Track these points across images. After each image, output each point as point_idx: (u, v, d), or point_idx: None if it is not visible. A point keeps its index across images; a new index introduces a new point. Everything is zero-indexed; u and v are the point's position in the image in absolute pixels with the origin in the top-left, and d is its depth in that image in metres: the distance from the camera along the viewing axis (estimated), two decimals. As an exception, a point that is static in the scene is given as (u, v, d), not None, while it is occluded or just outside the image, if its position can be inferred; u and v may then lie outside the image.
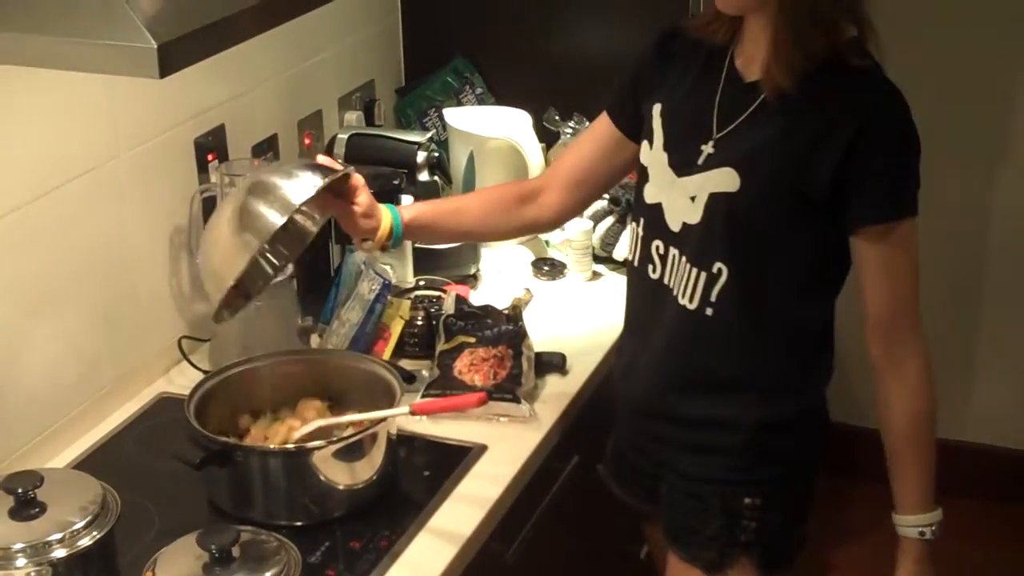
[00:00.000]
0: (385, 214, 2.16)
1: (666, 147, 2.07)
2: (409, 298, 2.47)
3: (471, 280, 2.68)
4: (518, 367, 2.29)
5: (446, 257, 2.68)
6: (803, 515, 2.18)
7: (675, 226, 2.05)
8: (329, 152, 2.73)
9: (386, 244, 2.17)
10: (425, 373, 2.34)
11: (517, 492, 2.12)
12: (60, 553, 1.75)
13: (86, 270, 2.21)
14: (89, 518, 1.79)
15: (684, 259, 2.04)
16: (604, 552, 2.70)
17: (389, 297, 2.40)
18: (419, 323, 2.43)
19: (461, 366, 2.29)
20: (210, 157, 2.46)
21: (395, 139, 2.73)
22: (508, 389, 2.25)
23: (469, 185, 2.81)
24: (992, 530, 3.66)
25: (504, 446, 2.17)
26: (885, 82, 1.97)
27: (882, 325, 2.02)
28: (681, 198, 2.03)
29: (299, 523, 1.96)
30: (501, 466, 2.12)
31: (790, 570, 2.18)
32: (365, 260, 2.42)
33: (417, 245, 2.59)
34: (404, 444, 2.14)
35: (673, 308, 2.07)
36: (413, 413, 2.03)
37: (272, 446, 2.04)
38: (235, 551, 1.74)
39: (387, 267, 2.48)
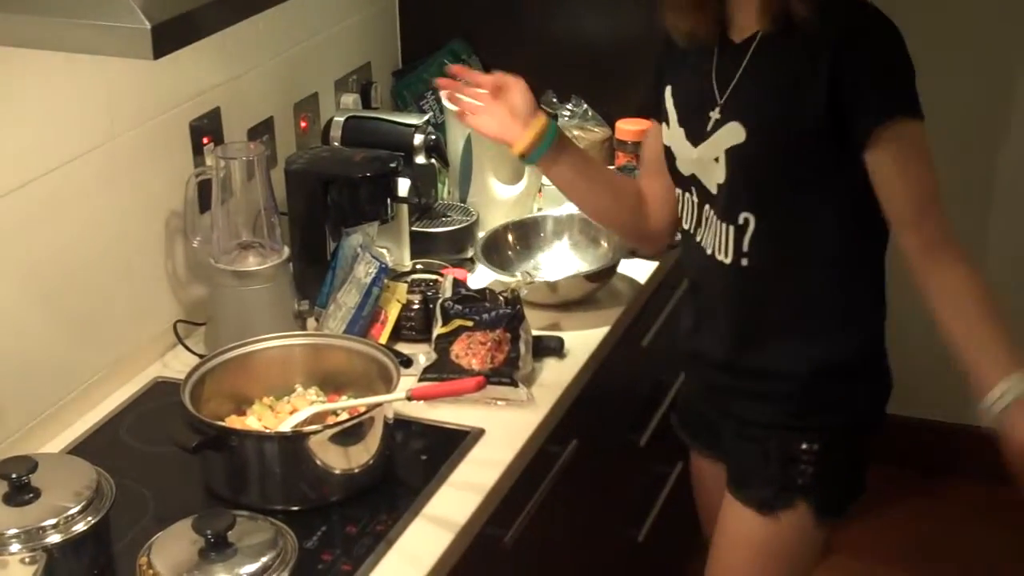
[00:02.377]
0: (540, 117, 2.25)
1: (680, 123, 2.13)
2: (406, 281, 2.46)
3: (468, 263, 2.67)
4: (516, 351, 2.27)
5: (443, 240, 2.67)
6: (862, 462, 2.22)
7: (713, 189, 2.10)
8: (325, 137, 2.72)
9: (534, 146, 2.24)
10: (422, 357, 2.33)
11: (515, 476, 2.11)
12: (55, 538, 1.74)
13: (81, 253, 2.20)
14: (84, 503, 1.78)
15: (715, 216, 2.11)
16: (603, 535, 2.69)
17: (386, 280, 2.39)
18: (416, 307, 2.42)
19: (458, 350, 2.28)
20: (205, 140, 2.45)
21: (392, 122, 2.71)
22: (506, 373, 2.24)
23: (466, 169, 2.80)
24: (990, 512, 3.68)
25: (502, 430, 2.16)
26: (866, 9, 2.00)
27: (910, 223, 2.02)
28: (708, 164, 2.09)
29: (295, 508, 1.95)
30: (499, 450, 2.11)
31: (843, 516, 2.22)
32: (362, 243, 2.41)
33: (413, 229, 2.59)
34: (401, 428, 2.13)
35: (714, 264, 2.12)
36: (410, 398, 2.03)
37: (268, 430, 2.03)
38: (231, 536, 1.73)
39: (384, 250, 2.47)
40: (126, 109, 2.27)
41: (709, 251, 2.13)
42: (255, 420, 2.09)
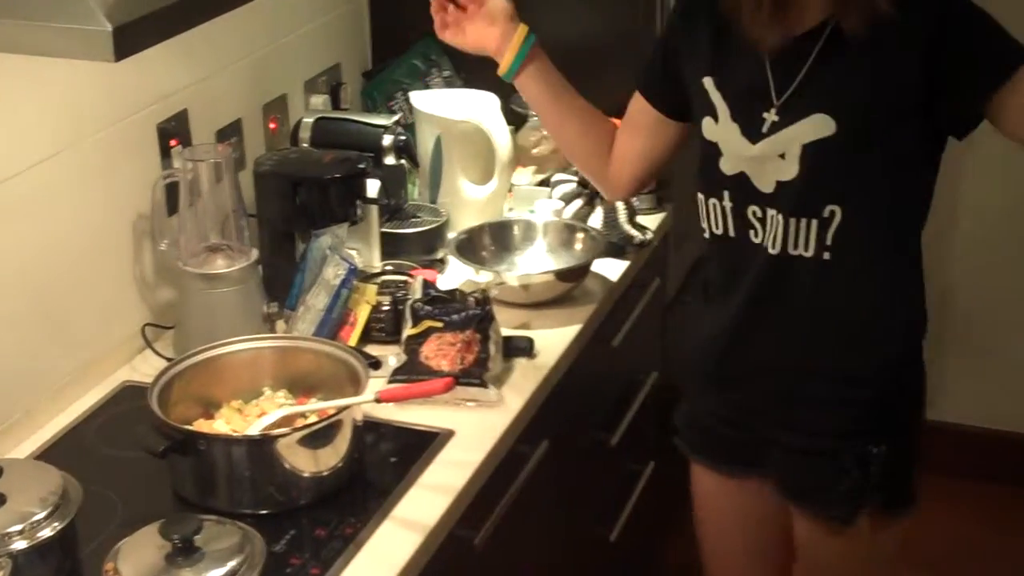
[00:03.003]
0: (521, 27, 2.27)
1: (735, 118, 2.07)
2: (376, 283, 2.45)
3: (438, 264, 2.66)
4: (485, 352, 2.27)
5: (414, 241, 2.66)
6: (919, 450, 2.20)
7: (768, 188, 2.05)
8: (294, 138, 2.71)
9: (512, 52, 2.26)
10: (392, 359, 2.33)
11: (485, 478, 2.10)
12: (20, 544, 1.72)
13: (47, 258, 2.19)
14: (50, 509, 1.76)
15: (783, 215, 2.04)
16: (574, 535, 2.69)
17: (355, 282, 2.38)
18: (386, 308, 2.41)
19: (428, 351, 2.27)
20: (173, 142, 2.44)
21: (361, 123, 2.70)
22: (475, 374, 2.23)
23: (436, 169, 2.79)
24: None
25: (472, 431, 2.15)
26: None
27: None
28: (768, 160, 2.03)
29: (264, 511, 1.94)
30: (469, 452, 2.10)
31: (915, 506, 2.20)
32: (331, 245, 2.40)
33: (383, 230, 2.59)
34: (370, 430, 2.12)
35: (783, 263, 2.06)
36: (379, 400, 2.02)
37: (236, 434, 2.02)
38: (198, 540, 1.73)
39: (353, 252, 2.46)
40: (92, 111, 2.26)
41: (776, 250, 2.06)
42: (223, 423, 2.08)
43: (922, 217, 2.11)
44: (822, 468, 2.15)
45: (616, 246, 2.74)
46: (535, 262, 2.68)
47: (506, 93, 2.95)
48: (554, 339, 2.44)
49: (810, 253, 2.05)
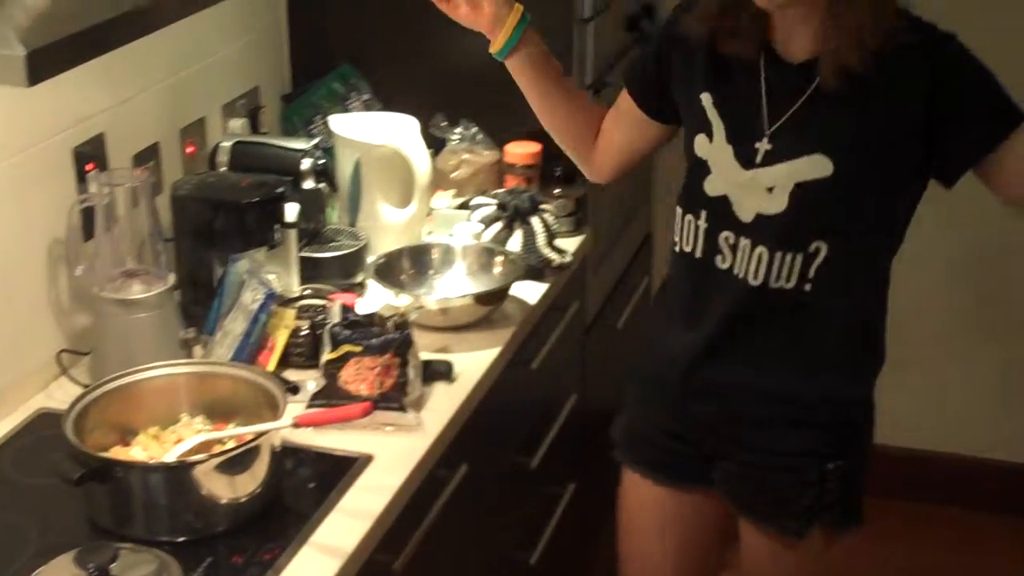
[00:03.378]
0: (516, 10, 2.24)
1: (730, 140, 2.09)
2: (294, 307, 2.44)
3: (358, 288, 2.66)
4: (404, 376, 2.27)
5: (333, 265, 2.66)
6: (868, 469, 2.26)
7: (747, 217, 2.08)
8: (212, 162, 2.70)
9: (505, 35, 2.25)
10: (311, 383, 2.32)
11: (404, 502, 2.10)
12: (-68, 575, 1.71)
13: (-40, 283, 2.17)
14: (-38, 538, 1.75)
15: (763, 247, 2.07)
16: (495, 559, 2.69)
17: (273, 307, 2.38)
18: (304, 333, 2.40)
19: (347, 376, 2.27)
20: (89, 167, 2.41)
21: (279, 147, 2.70)
22: (394, 398, 2.23)
23: (355, 193, 2.79)
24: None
25: (391, 456, 2.15)
26: (933, 27, 2.00)
27: None
28: (754, 190, 2.06)
29: (181, 539, 1.92)
30: (387, 476, 2.10)
31: (862, 523, 2.26)
32: (249, 269, 2.39)
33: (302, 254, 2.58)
34: (289, 456, 2.11)
35: (762, 296, 2.10)
36: (296, 425, 2.01)
37: (153, 461, 2.01)
38: (114, 569, 1.72)
39: (272, 276, 2.45)
40: (6, 135, 2.24)
41: (757, 281, 2.09)
42: (140, 450, 2.06)
43: (897, 248, 2.16)
44: (781, 483, 2.20)
45: (535, 269, 2.75)
46: (454, 285, 2.69)
47: (425, 116, 2.98)
48: (473, 362, 2.45)
49: (791, 285, 2.09)
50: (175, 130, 2.71)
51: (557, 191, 2.96)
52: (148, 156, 2.60)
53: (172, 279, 2.35)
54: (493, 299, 2.60)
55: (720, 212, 2.11)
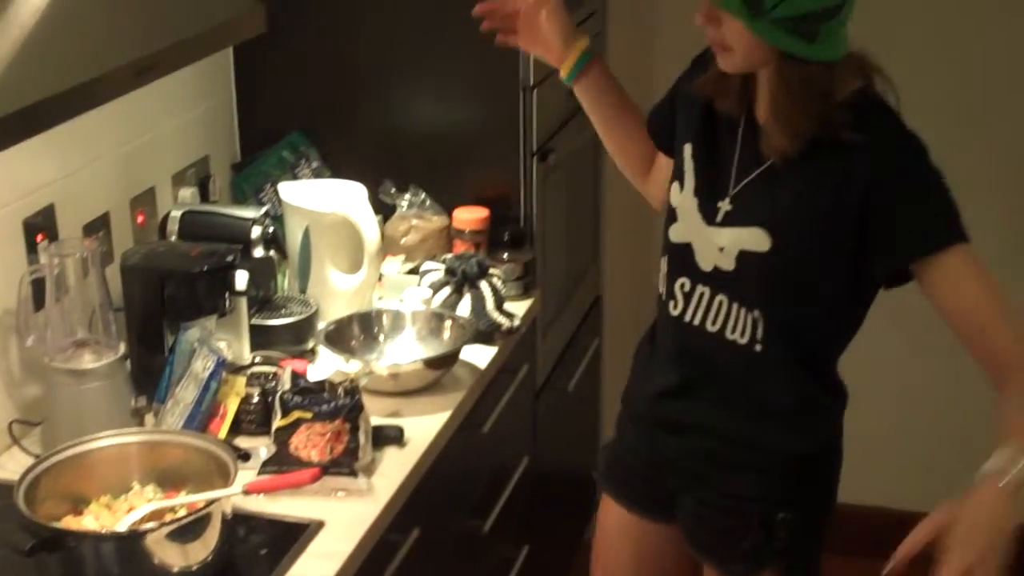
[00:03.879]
0: (580, 38, 2.36)
1: (696, 193, 2.18)
2: (245, 375, 2.46)
3: (309, 355, 2.68)
4: (355, 441, 2.29)
5: (283, 332, 2.68)
6: (827, 526, 2.31)
7: (706, 266, 2.18)
8: (162, 231, 2.71)
9: (572, 62, 2.37)
10: (263, 450, 2.33)
11: (356, 567, 2.11)
12: None
13: (-90, 356, 2.17)
14: (-88, 611, 1.75)
15: (722, 297, 2.16)
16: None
17: (224, 374, 2.39)
18: (255, 400, 2.42)
19: (297, 442, 2.28)
20: (39, 237, 2.43)
21: (229, 216, 2.72)
22: (345, 464, 2.25)
23: (305, 260, 2.81)
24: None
25: (342, 521, 2.16)
26: (893, 123, 2.05)
27: (976, 348, 2.03)
28: (711, 246, 2.16)
29: (133, 607, 1.93)
30: (339, 542, 2.11)
31: None
32: (199, 338, 2.41)
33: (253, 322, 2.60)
34: (241, 523, 2.12)
35: (720, 342, 2.18)
36: (247, 492, 2.03)
37: (104, 530, 2.01)
38: (65, 639, 1.72)
39: (223, 344, 2.47)
40: (-44, 208, 2.25)
41: (715, 328, 2.18)
42: (92, 520, 2.07)
43: (847, 335, 2.21)
44: (728, 526, 2.27)
45: (484, 333, 2.78)
46: (404, 350, 2.71)
47: (374, 183, 3.01)
48: (424, 426, 2.47)
49: (744, 341, 2.16)
50: (125, 200, 2.73)
51: (505, 255, 2.99)
52: (98, 226, 2.61)
53: (123, 348, 2.36)
54: (443, 363, 2.63)
55: (680, 259, 2.20)
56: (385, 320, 2.76)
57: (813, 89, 2.01)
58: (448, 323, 2.73)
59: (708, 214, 2.16)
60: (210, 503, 1.99)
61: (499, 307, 2.81)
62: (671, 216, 2.23)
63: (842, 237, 2.06)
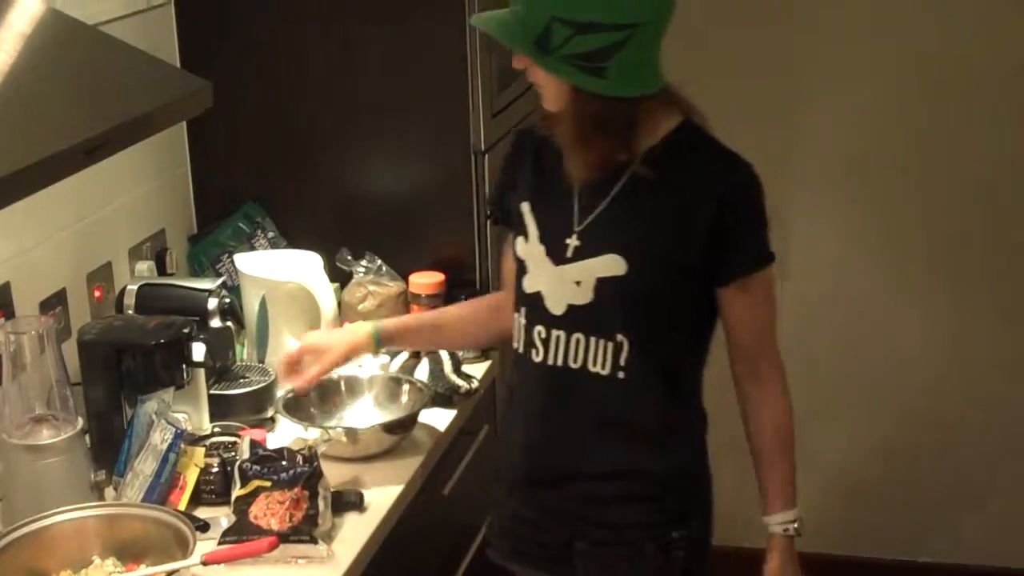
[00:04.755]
0: (365, 337, 2.52)
1: (541, 240, 2.29)
2: (204, 445, 2.47)
3: (268, 423, 2.69)
4: (314, 508, 2.30)
5: (242, 401, 2.69)
6: (711, 538, 2.41)
7: (558, 310, 2.27)
8: (119, 305, 2.73)
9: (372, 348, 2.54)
10: (224, 520, 2.34)
11: (317, 634, 2.12)
12: None
13: None
14: None
15: (579, 335, 2.26)
16: None
17: (183, 445, 2.40)
18: (215, 470, 2.43)
19: (257, 510, 2.29)
20: (-5, 315, 2.45)
21: (185, 287, 2.74)
22: (305, 531, 2.26)
23: (263, 329, 2.84)
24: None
25: (303, 588, 2.18)
26: (729, 153, 2.23)
27: (746, 351, 2.30)
28: (564, 284, 2.25)
29: None
30: (300, 609, 2.13)
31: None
32: (157, 410, 2.42)
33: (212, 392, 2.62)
34: (202, 593, 2.14)
35: (581, 377, 2.27)
36: (205, 563, 2.04)
37: (64, 605, 2.02)
38: None
39: (182, 415, 2.48)
40: (-89, 289, 2.27)
41: (576, 364, 2.27)
42: (53, 595, 2.08)
43: (705, 343, 2.33)
44: (627, 556, 2.33)
45: (443, 396, 2.80)
46: (363, 416, 2.73)
47: (331, 250, 3.04)
48: (384, 491, 2.48)
49: (606, 372, 2.26)
50: (82, 275, 2.75)
51: (462, 318, 3.01)
52: (55, 302, 2.63)
53: (81, 423, 2.37)
54: (402, 427, 2.64)
55: (535, 307, 2.30)
56: (343, 386, 2.78)
57: (610, 123, 2.15)
58: (406, 387, 2.76)
59: (557, 254, 2.26)
60: (169, 575, 2.00)
61: (457, 370, 2.83)
62: (522, 269, 2.32)
63: (691, 258, 2.19)
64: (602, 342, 2.25)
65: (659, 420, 2.30)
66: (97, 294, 2.79)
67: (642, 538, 2.32)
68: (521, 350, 2.34)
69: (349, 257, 3.09)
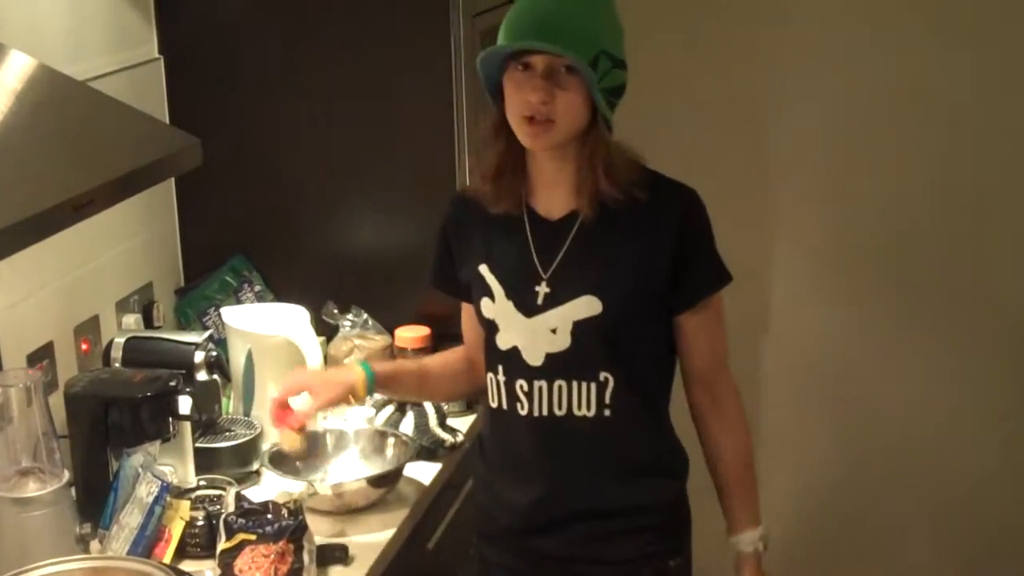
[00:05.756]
0: (359, 376, 2.47)
1: (508, 296, 2.32)
2: (190, 498, 2.48)
3: (254, 476, 2.70)
4: (299, 561, 2.30)
5: (228, 455, 2.70)
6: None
7: (536, 361, 2.30)
8: (106, 359, 2.74)
9: (363, 391, 2.48)
10: (209, 573, 2.35)
11: None
12: None
13: None
14: None
15: (560, 382, 2.29)
16: None
17: (169, 498, 2.41)
18: (200, 523, 2.43)
19: (242, 564, 2.30)
20: (-17, 369, 2.46)
21: (172, 341, 2.75)
22: (290, 584, 2.27)
23: (249, 382, 2.85)
24: None
25: (287, 642, 2.18)
26: (672, 182, 2.30)
27: (704, 375, 2.36)
28: (539, 334, 2.29)
29: None
30: (284, 662, 2.13)
31: None
32: (143, 463, 2.43)
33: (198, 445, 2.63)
34: (186, 647, 2.14)
35: (568, 423, 2.30)
36: (190, 615, 2.04)
37: (49, 658, 2.02)
38: None
39: (167, 468, 2.49)
40: (-100, 342, 2.28)
41: (562, 411, 2.30)
42: (37, 648, 2.08)
43: (669, 387, 2.39)
44: None
45: (428, 449, 2.81)
46: (348, 469, 2.74)
47: (317, 304, 3.06)
48: (369, 545, 2.49)
49: (592, 413, 2.30)
50: (69, 328, 2.77)
51: (447, 372, 3.03)
52: (42, 355, 2.64)
53: (67, 476, 2.37)
54: (387, 481, 2.66)
55: (512, 363, 2.33)
56: (329, 439, 2.79)
57: (617, 157, 2.23)
58: (391, 440, 2.77)
59: (528, 306, 2.30)
60: (154, 628, 2.00)
61: (442, 423, 2.85)
62: (492, 329, 2.35)
63: (656, 287, 2.27)
64: (585, 384, 2.29)
65: (649, 451, 2.37)
66: (84, 347, 2.80)
67: (640, 570, 2.38)
68: (505, 406, 2.36)
69: (335, 311, 3.11)
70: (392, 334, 3.08)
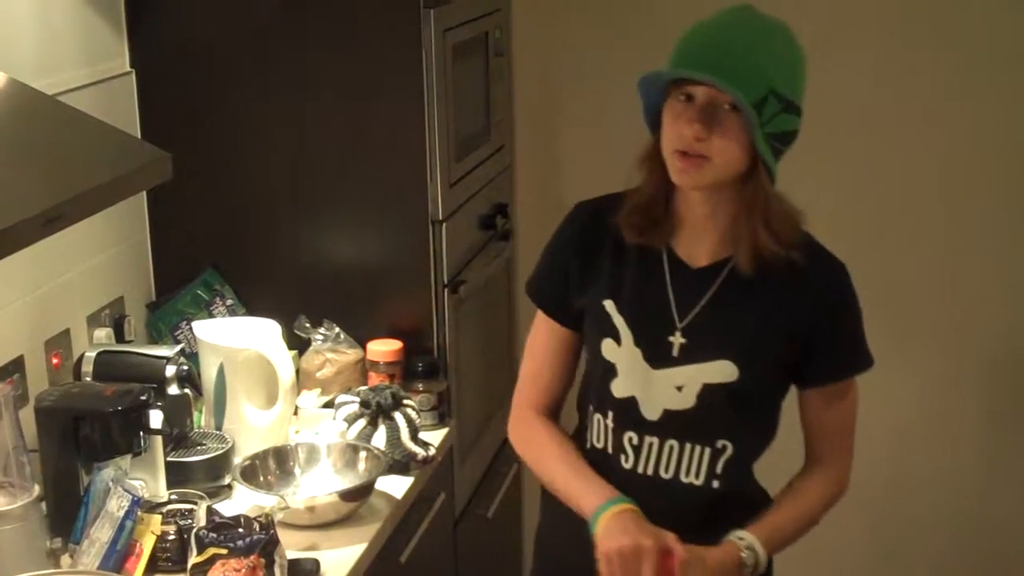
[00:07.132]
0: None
1: (637, 343, 2.16)
2: (161, 512, 2.47)
3: (225, 490, 2.70)
4: (271, 575, 2.31)
5: (200, 469, 2.70)
6: None
7: (653, 415, 2.17)
8: (77, 372, 2.73)
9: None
10: (179, 587, 2.35)
11: None
12: None
13: None
14: None
15: (672, 442, 2.17)
16: None
17: (140, 512, 2.41)
18: (171, 537, 2.43)
19: (213, 578, 2.30)
20: (-47, 383, 2.45)
21: (143, 355, 2.74)
22: (261, 598, 2.27)
23: (220, 396, 2.84)
24: None
25: (258, 656, 2.18)
26: (827, 253, 2.17)
27: (823, 449, 2.22)
28: (663, 388, 2.15)
29: None
30: (255, 677, 2.12)
31: None
32: (114, 477, 2.43)
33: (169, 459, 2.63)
34: (156, 661, 2.13)
35: (671, 489, 2.17)
36: (161, 630, 2.04)
37: (18, 674, 2.01)
38: None
39: (139, 482, 2.48)
40: None
41: (668, 475, 2.17)
42: (6, 664, 2.07)
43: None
44: None
45: (400, 463, 2.81)
46: (320, 483, 2.74)
47: (289, 318, 3.06)
48: (341, 559, 2.49)
49: (700, 482, 2.18)
50: (40, 342, 2.76)
51: (420, 386, 3.04)
52: (12, 369, 2.63)
53: (37, 490, 2.37)
54: (359, 495, 2.65)
55: (625, 413, 2.19)
56: (301, 453, 2.79)
57: (777, 209, 2.09)
58: (363, 454, 2.77)
59: (659, 357, 2.15)
60: (124, 642, 2.00)
61: (414, 437, 2.85)
62: (610, 372, 2.19)
63: (793, 357, 2.15)
64: (699, 448, 2.17)
65: (750, 515, 2.18)
66: (55, 361, 2.79)
67: None
68: (610, 451, 2.22)
69: (307, 325, 3.11)
70: (364, 348, 3.09)
